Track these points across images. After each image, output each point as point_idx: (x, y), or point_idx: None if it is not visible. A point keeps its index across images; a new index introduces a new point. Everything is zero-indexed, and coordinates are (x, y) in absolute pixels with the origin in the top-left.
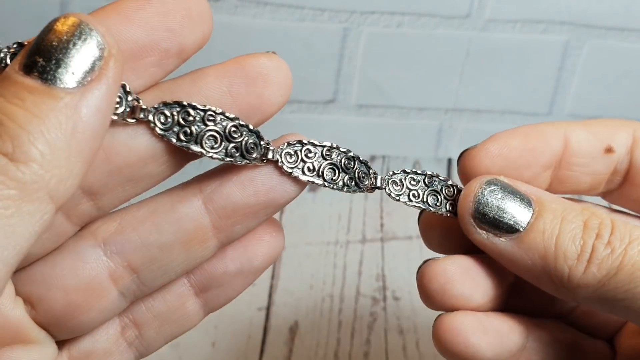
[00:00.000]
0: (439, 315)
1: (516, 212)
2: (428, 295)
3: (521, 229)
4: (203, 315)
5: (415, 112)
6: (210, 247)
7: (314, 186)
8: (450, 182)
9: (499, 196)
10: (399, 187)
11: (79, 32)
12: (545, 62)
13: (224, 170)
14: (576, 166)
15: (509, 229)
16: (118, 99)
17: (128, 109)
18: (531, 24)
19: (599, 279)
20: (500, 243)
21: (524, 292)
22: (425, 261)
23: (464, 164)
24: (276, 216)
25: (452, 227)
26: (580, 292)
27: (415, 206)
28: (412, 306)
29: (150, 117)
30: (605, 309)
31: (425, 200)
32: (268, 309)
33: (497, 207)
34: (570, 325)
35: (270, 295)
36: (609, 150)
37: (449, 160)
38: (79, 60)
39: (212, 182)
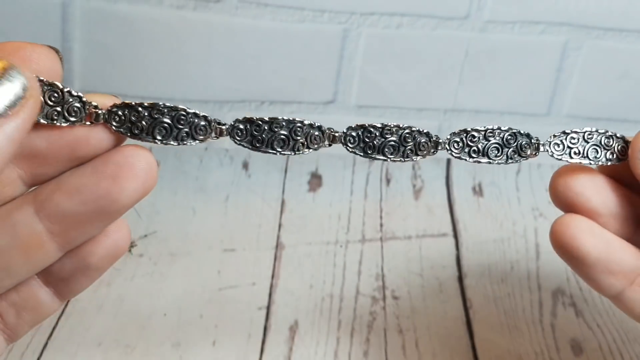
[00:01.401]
0: (563, 215)
1: None
2: (557, 195)
3: None
4: (60, 302)
5: (414, 112)
6: (51, 252)
7: (314, 185)
8: (610, 133)
9: None
10: (560, 148)
11: (8, 73)
12: (544, 63)
13: (59, 178)
14: None
15: None
16: (77, 110)
17: (85, 114)
18: (530, 25)
19: None
20: None
21: None
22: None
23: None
24: (276, 216)
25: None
26: None
27: (578, 163)
28: (412, 305)
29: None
30: None
31: (586, 155)
32: (268, 308)
33: None
34: None
35: (270, 295)
36: None
37: (448, 161)
38: (4, 95)
39: (46, 190)
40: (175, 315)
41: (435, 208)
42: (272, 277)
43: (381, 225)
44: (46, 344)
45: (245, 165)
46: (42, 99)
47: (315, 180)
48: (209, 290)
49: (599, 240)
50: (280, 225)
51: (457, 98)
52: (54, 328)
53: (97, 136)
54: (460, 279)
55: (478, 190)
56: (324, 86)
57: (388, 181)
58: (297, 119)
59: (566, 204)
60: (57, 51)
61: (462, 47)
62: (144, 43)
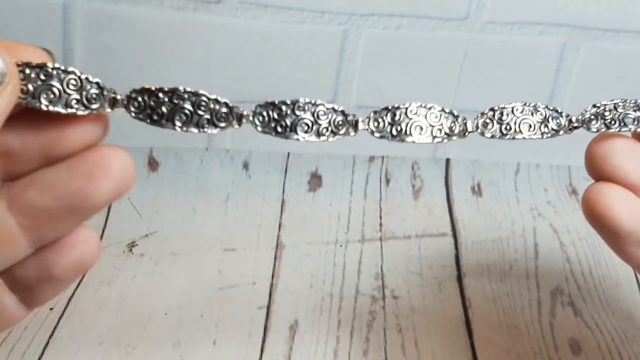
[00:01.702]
0: (595, 182)
1: None
2: (591, 161)
3: None
4: (25, 310)
5: None
6: (22, 247)
7: (314, 185)
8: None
9: None
10: (594, 121)
11: None
12: (543, 64)
13: (34, 175)
14: None
15: None
16: (96, 96)
17: (105, 101)
18: (528, 26)
19: None
20: None
21: None
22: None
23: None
24: (276, 216)
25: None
26: None
27: (615, 131)
28: (411, 305)
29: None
30: None
31: (622, 122)
32: (268, 307)
33: None
34: None
35: (270, 294)
36: None
37: (447, 161)
38: None
39: (19, 185)
40: (175, 315)
41: (435, 208)
42: (273, 276)
43: (381, 225)
44: (47, 343)
45: (246, 166)
46: (44, 83)
47: (315, 180)
48: (210, 289)
49: (634, 211)
50: (280, 225)
51: (456, 99)
52: (55, 327)
53: (72, 136)
54: (460, 278)
55: (477, 190)
56: (324, 87)
57: (387, 181)
58: (201, 92)
59: (602, 176)
60: (49, 53)
61: (461, 48)
62: (144, 44)
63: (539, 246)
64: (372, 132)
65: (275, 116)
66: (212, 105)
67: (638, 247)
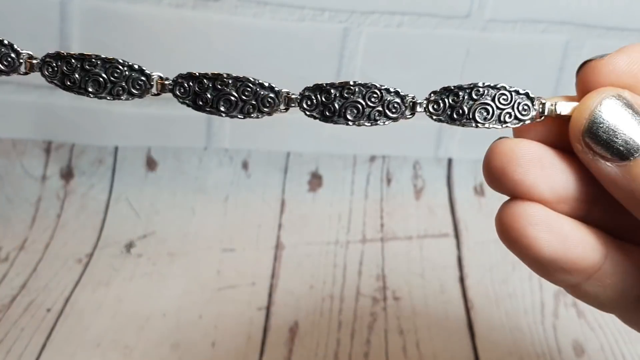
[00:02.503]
0: (509, 200)
1: (632, 139)
2: (489, 173)
3: (632, 158)
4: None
5: None
6: None
7: (314, 185)
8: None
9: (617, 116)
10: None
11: None
12: (545, 62)
13: None
14: None
15: (619, 155)
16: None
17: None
18: (531, 24)
19: None
20: (605, 167)
21: (610, 207)
22: (499, 138)
23: (585, 77)
24: (276, 216)
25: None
26: None
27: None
28: (413, 306)
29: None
30: None
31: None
32: (268, 308)
33: (612, 129)
34: None
35: (270, 295)
36: None
37: (449, 160)
38: None
39: None
40: (174, 316)
41: (437, 208)
42: (272, 277)
43: (382, 225)
44: (44, 344)
45: (245, 165)
46: None
47: (316, 180)
48: (209, 290)
49: (555, 236)
50: (280, 226)
51: None
52: (52, 329)
53: None
54: (462, 279)
55: (479, 190)
56: None
57: (389, 181)
58: (246, 77)
59: (507, 192)
60: None
61: (463, 46)
62: (143, 42)
63: None
64: (431, 116)
65: (324, 99)
66: (257, 90)
67: (560, 273)
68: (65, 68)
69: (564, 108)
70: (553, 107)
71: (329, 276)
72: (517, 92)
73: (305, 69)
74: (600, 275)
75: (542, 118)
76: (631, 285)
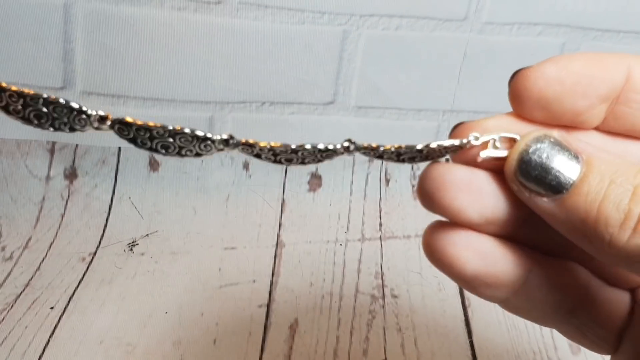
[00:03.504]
0: (433, 222)
1: (562, 173)
2: (421, 197)
3: (564, 191)
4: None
5: (413, 113)
6: None
7: (314, 185)
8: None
9: (545, 155)
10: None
11: None
12: None
13: None
14: (635, 103)
15: (552, 189)
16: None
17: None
18: (528, 27)
19: None
20: (542, 203)
21: (538, 226)
22: (432, 162)
23: (517, 84)
24: (276, 215)
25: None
26: (621, 258)
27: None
28: (410, 304)
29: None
30: None
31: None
32: (268, 306)
33: (541, 166)
34: (586, 268)
35: (270, 293)
36: None
37: (447, 161)
38: None
39: None
40: (176, 313)
41: None
42: (273, 274)
43: (380, 224)
44: (48, 341)
45: (246, 166)
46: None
47: (315, 180)
48: (210, 288)
49: (474, 254)
50: (280, 225)
51: (455, 99)
52: (55, 326)
53: None
54: None
55: None
56: (324, 87)
57: (387, 181)
58: (182, 129)
59: (439, 214)
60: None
61: (460, 48)
62: (145, 44)
63: None
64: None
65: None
66: (191, 139)
67: (487, 287)
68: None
69: (496, 152)
70: (486, 153)
71: (329, 274)
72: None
73: (305, 71)
74: (527, 290)
75: (480, 159)
76: (560, 299)
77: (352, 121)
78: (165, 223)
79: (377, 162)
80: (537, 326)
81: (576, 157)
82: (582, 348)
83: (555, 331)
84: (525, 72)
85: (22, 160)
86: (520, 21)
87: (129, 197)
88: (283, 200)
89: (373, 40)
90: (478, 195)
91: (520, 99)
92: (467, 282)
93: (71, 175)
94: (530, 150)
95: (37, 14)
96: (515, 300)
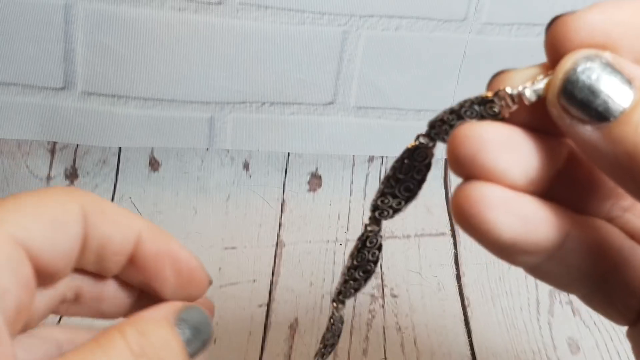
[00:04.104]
0: (464, 181)
1: (611, 98)
2: (457, 162)
3: (612, 118)
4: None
5: (413, 113)
6: None
7: (314, 185)
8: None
9: (595, 76)
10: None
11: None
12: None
13: None
14: None
15: (598, 116)
16: None
17: None
18: (527, 27)
19: None
20: (585, 132)
21: (574, 182)
22: (460, 124)
23: (556, 33)
24: (276, 215)
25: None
26: None
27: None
28: (410, 304)
29: None
30: None
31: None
32: (268, 305)
33: (589, 88)
34: (621, 229)
35: (270, 292)
36: None
37: (446, 161)
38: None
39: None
40: None
41: (434, 208)
42: (273, 274)
43: None
44: None
45: (246, 166)
46: None
47: (315, 180)
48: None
49: (515, 218)
50: (280, 225)
51: (455, 99)
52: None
53: None
54: (458, 277)
55: None
56: (324, 87)
57: None
58: None
59: (475, 177)
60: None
61: (460, 48)
62: (146, 45)
63: None
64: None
65: None
66: None
67: (521, 255)
68: None
69: (531, 92)
70: (520, 93)
71: (329, 274)
72: (474, 102)
73: (304, 71)
74: (562, 254)
75: (515, 107)
76: (593, 263)
77: (352, 121)
78: (166, 223)
79: (377, 162)
80: (536, 326)
81: (629, 82)
82: (581, 347)
83: (554, 330)
84: (566, 19)
85: (22, 160)
86: (519, 22)
87: (130, 197)
88: (283, 200)
89: (373, 41)
90: (521, 153)
91: (558, 49)
92: (503, 249)
93: (72, 175)
94: (579, 70)
95: (37, 14)
96: (547, 265)
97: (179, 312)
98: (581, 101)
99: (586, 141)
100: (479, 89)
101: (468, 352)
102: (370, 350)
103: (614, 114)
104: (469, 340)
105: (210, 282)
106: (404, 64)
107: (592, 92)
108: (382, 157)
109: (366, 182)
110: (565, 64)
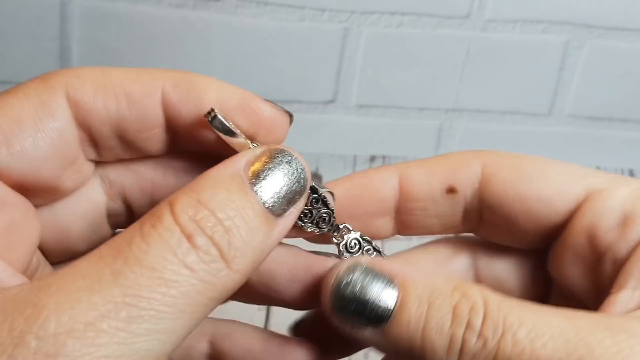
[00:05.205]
0: None
1: (377, 304)
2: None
3: (385, 321)
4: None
5: (415, 112)
6: None
7: None
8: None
9: (358, 288)
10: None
11: (291, 162)
12: (546, 62)
13: None
14: (417, 210)
15: (372, 322)
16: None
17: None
18: (531, 24)
19: None
20: (366, 334)
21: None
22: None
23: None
24: None
25: None
26: None
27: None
28: None
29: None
30: None
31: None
32: (268, 308)
33: (357, 300)
34: None
35: None
36: (451, 190)
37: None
38: (291, 197)
39: None
40: None
41: None
42: None
43: None
44: None
45: None
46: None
47: (316, 180)
48: None
49: None
50: None
51: (458, 97)
52: None
53: None
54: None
55: None
56: (325, 85)
57: None
58: None
59: None
60: (290, 116)
61: (463, 46)
62: (143, 42)
63: None
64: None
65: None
66: None
67: None
68: None
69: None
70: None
71: None
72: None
73: (305, 69)
74: None
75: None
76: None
77: (353, 120)
78: None
79: (377, 162)
80: None
81: (391, 281)
82: None
83: None
84: None
85: None
86: (523, 19)
87: None
88: None
89: (374, 38)
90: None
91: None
92: None
93: None
94: (343, 284)
95: (33, 11)
96: None
97: (253, 161)
98: (353, 312)
99: (371, 341)
100: (482, 87)
101: None
102: (372, 352)
103: (384, 317)
104: None
105: (292, 118)
106: (406, 61)
107: (360, 302)
108: (384, 157)
109: None
110: (332, 280)
